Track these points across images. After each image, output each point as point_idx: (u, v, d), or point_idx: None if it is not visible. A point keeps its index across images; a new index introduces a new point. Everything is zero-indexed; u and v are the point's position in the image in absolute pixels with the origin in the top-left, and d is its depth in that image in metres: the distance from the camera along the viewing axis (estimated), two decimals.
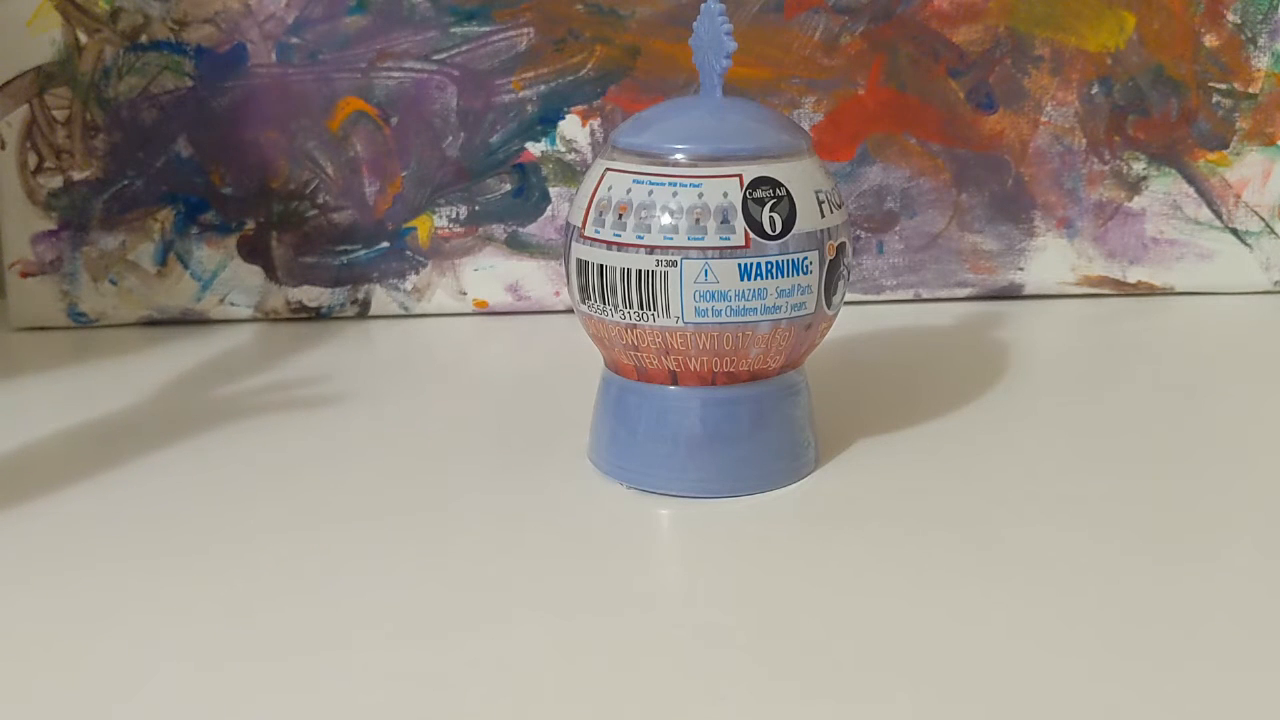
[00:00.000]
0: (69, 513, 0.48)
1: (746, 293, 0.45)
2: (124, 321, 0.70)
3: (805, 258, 0.46)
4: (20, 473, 0.52)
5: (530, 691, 0.37)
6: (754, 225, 0.45)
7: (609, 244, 0.46)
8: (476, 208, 0.69)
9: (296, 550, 0.45)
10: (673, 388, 0.48)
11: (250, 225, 0.69)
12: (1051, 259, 0.70)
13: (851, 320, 0.63)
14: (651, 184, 0.46)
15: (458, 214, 0.69)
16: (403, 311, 0.71)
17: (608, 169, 0.47)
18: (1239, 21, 0.68)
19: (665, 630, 0.40)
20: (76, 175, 0.68)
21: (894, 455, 0.51)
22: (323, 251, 0.69)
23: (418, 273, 0.70)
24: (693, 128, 0.47)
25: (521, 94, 0.68)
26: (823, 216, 0.46)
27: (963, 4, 0.68)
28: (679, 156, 0.46)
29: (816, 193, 0.46)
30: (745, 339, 0.46)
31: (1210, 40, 0.68)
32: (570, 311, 0.67)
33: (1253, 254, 0.71)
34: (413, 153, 0.69)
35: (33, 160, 0.68)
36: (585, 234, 0.47)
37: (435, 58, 0.68)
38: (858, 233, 0.70)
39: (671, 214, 0.45)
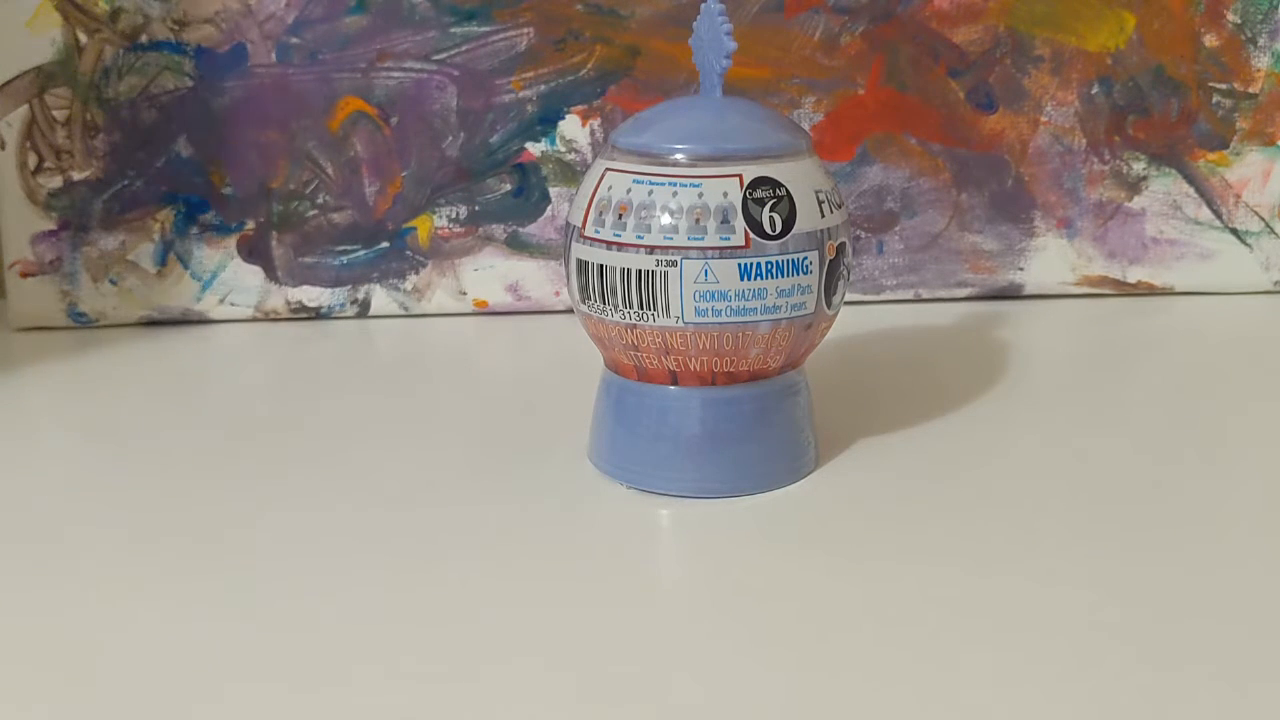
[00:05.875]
0: (69, 512, 0.48)
1: (746, 293, 0.45)
2: (124, 321, 0.70)
3: (805, 258, 0.46)
4: (20, 473, 0.52)
5: (529, 691, 0.37)
6: (754, 225, 0.45)
7: (609, 244, 0.46)
8: (476, 208, 0.69)
9: (296, 549, 0.45)
10: (673, 388, 0.48)
11: (250, 225, 0.69)
12: (1051, 259, 0.70)
13: (851, 320, 0.63)
14: (651, 184, 0.46)
15: (458, 214, 0.69)
16: (403, 311, 0.71)
17: (608, 169, 0.47)
18: (1239, 21, 0.68)
19: (665, 630, 0.40)
20: (76, 175, 0.68)
21: (894, 455, 0.51)
22: (323, 251, 0.69)
23: (418, 273, 0.70)
24: (693, 128, 0.47)
25: (521, 94, 0.68)
26: (823, 216, 0.46)
27: (963, 4, 0.68)
28: (679, 156, 0.46)
29: (816, 193, 0.46)
30: (745, 339, 0.46)
31: (1210, 40, 0.68)
32: (570, 311, 0.67)
33: (1253, 254, 0.71)
34: (413, 153, 0.69)
35: (33, 160, 0.68)
36: (585, 234, 0.47)
37: (435, 58, 0.68)
38: (858, 233, 0.70)
39: (671, 214, 0.45)
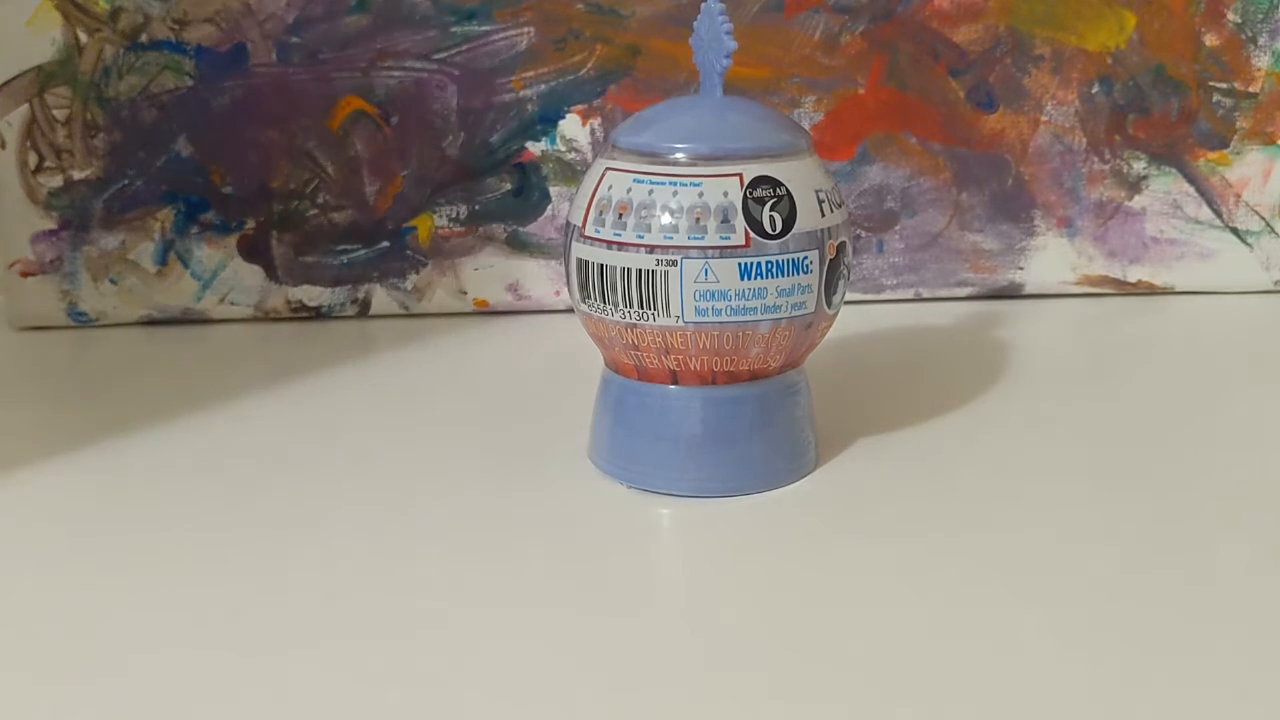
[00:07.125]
0: (68, 512, 0.48)
1: (746, 292, 0.45)
2: (124, 321, 0.70)
3: (805, 257, 0.46)
4: (19, 473, 0.52)
5: (529, 691, 0.37)
6: (754, 224, 0.45)
7: (609, 243, 0.46)
8: (476, 207, 0.69)
9: (296, 549, 0.45)
10: (673, 387, 0.48)
11: (250, 225, 0.69)
12: (1052, 258, 0.70)
13: (851, 320, 0.63)
14: (652, 183, 0.46)
15: (458, 213, 0.69)
16: (403, 311, 0.71)
17: (608, 168, 0.47)
18: (1239, 21, 0.68)
19: (665, 630, 0.40)
20: (76, 175, 0.68)
21: (894, 455, 0.51)
22: (323, 251, 0.69)
23: (418, 272, 0.70)
24: (693, 127, 0.47)
25: (522, 93, 0.68)
26: (823, 216, 0.46)
27: (963, 3, 0.68)
28: (679, 156, 0.46)
29: (816, 192, 0.46)
30: (745, 338, 0.46)
31: (1210, 40, 0.68)
32: (570, 311, 0.67)
33: (1253, 253, 0.71)
34: (413, 152, 0.69)
35: (33, 160, 0.68)
36: (585, 233, 0.47)
37: (435, 57, 0.68)
38: (858, 232, 0.70)
39: (672, 213, 0.45)
